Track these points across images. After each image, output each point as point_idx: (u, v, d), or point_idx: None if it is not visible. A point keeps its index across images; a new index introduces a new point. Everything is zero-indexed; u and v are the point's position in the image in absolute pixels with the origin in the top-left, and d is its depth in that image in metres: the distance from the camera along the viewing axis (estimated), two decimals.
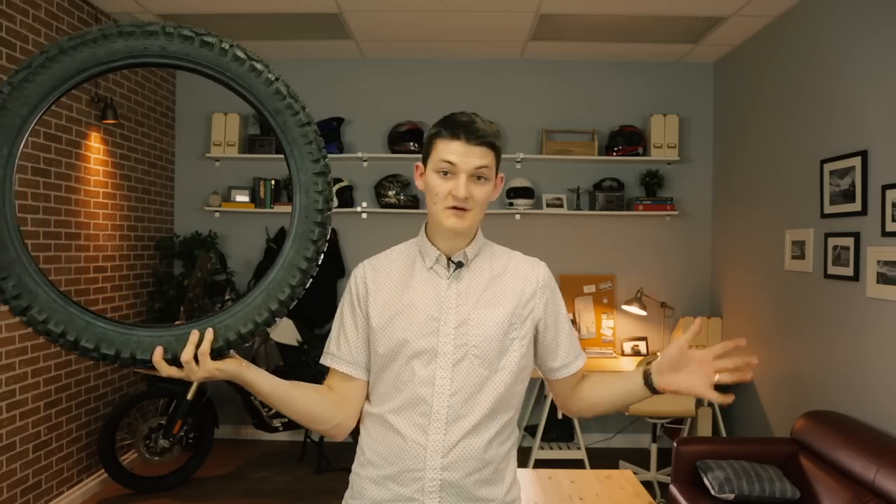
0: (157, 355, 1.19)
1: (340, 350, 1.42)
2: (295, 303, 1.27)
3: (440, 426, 1.33)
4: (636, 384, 1.42)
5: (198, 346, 1.20)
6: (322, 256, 1.28)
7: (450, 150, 1.33)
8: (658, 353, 4.63)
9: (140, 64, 1.21)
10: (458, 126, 1.34)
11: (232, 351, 1.26)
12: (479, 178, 1.34)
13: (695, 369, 1.36)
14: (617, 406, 1.48)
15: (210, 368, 1.20)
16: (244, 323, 1.23)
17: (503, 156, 1.47)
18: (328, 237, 1.28)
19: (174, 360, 1.19)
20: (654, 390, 1.39)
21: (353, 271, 1.47)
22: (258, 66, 1.21)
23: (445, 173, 1.34)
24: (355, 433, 1.50)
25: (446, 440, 1.32)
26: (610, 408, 1.50)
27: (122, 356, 1.18)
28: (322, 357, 1.45)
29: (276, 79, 1.23)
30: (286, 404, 1.35)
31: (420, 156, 1.44)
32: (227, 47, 1.20)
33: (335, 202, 1.27)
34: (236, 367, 1.25)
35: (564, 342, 1.46)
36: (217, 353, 1.22)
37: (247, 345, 1.26)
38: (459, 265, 1.40)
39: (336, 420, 1.41)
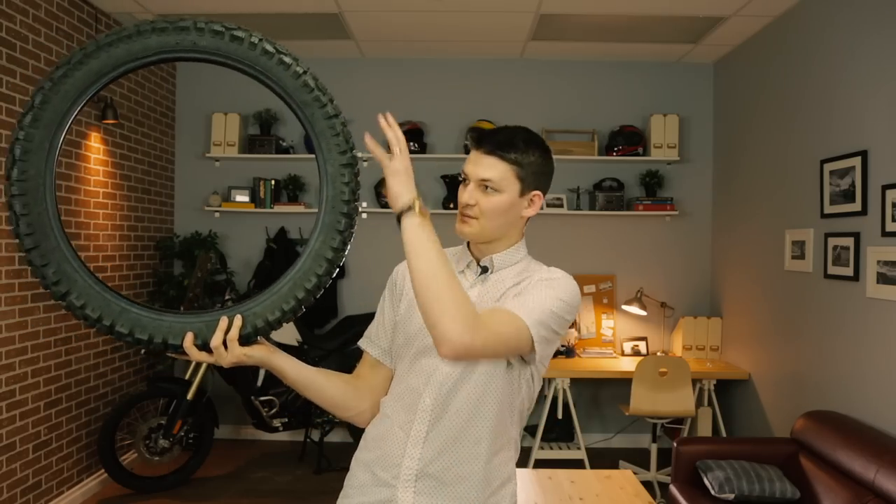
0: (189, 341, 1.23)
1: (379, 337, 1.48)
2: (321, 292, 1.30)
3: (425, 417, 1.34)
4: None
5: (227, 332, 1.23)
6: (349, 247, 1.31)
7: (469, 158, 1.39)
8: (659, 353, 4.62)
9: (172, 59, 1.25)
10: (481, 136, 1.38)
11: (260, 338, 1.29)
12: (486, 188, 1.35)
13: None
14: None
15: (238, 354, 1.24)
16: (272, 311, 1.26)
17: None
18: (355, 228, 1.30)
19: (204, 346, 1.24)
20: None
21: (397, 266, 1.51)
22: (286, 59, 1.24)
23: (464, 181, 1.39)
24: (356, 430, 1.51)
25: (429, 431, 1.34)
26: None
27: (154, 341, 1.23)
28: (361, 339, 1.51)
29: (305, 72, 1.25)
30: (312, 390, 1.38)
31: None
32: (256, 41, 1.23)
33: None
34: (264, 353, 1.28)
35: (521, 301, 1.31)
36: (245, 340, 1.25)
37: (273, 332, 1.30)
38: (485, 270, 1.43)
39: (361, 407, 1.44)
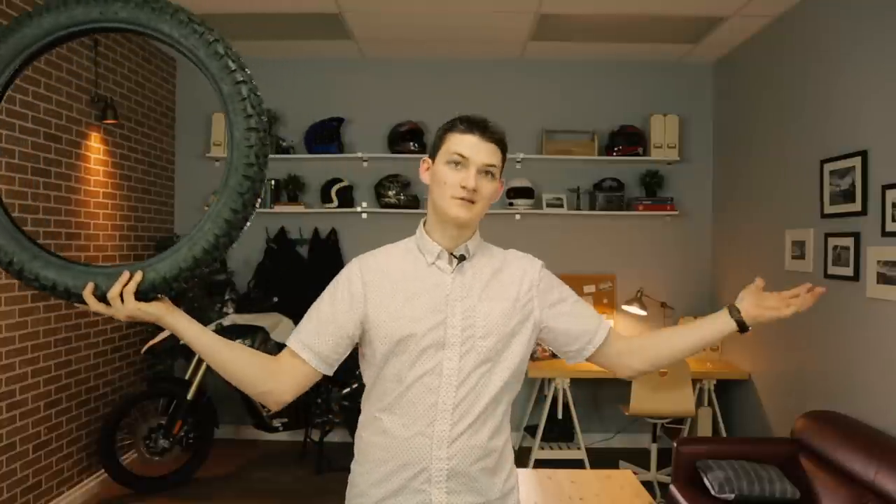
0: (88, 290, 1.28)
1: (305, 332, 1.42)
2: (220, 253, 1.33)
3: (446, 416, 1.36)
4: (721, 325, 1.43)
5: (126, 285, 1.28)
6: (252, 210, 1.34)
7: (464, 142, 1.38)
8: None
9: (97, 29, 1.32)
10: (474, 123, 1.40)
11: (163, 297, 1.33)
12: (486, 173, 1.39)
13: (772, 304, 1.41)
14: (686, 356, 1.50)
15: (132, 307, 1.28)
16: (169, 268, 1.30)
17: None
18: (258, 192, 1.34)
19: (103, 298, 1.29)
20: (742, 325, 1.42)
21: (349, 265, 1.46)
22: (199, 28, 1.30)
23: (457, 164, 1.38)
24: (355, 430, 1.50)
25: (452, 431, 1.36)
26: (678, 360, 1.52)
27: (57, 288, 1.29)
28: (292, 340, 1.44)
29: (216, 40, 1.30)
30: (213, 358, 1.36)
31: (420, 155, 1.46)
32: (172, 12, 1.30)
33: (269, 163, 1.38)
34: (159, 311, 1.31)
35: (578, 323, 1.49)
36: (143, 295, 1.30)
37: (173, 290, 1.34)
38: (462, 258, 1.43)
39: (265, 387, 1.39)
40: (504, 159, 1.43)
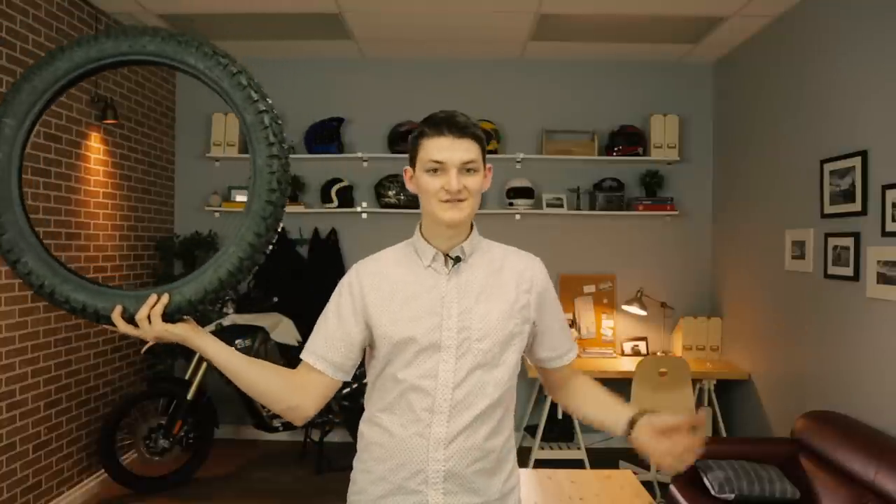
0: (117, 312, 1.33)
1: (315, 344, 1.44)
2: (245, 275, 1.37)
3: (443, 418, 1.35)
4: (616, 423, 1.43)
5: (153, 307, 1.32)
6: (275, 234, 1.38)
7: (437, 146, 1.36)
8: (659, 353, 4.63)
9: (126, 62, 1.39)
10: (440, 122, 1.37)
11: (188, 318, 1.38)
12: (468, 170, 1.37)
13: (671, 447, 1.31)
14: (594, 425, 1.52)
15: (159, 329, 1.33)
16: (195, 291, 1.36)
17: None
18: (280, 216, 1.38)
19: (131, 320, 1.34)
20: (627, 436, 1.41)
21: (349, 272, 1.48)
22: (223, 60, 1.35)
23: (435, 171, 1.37)
24: (355, 430, 1.50)
25: (448, 432, 1.35)
26: (589, 422, 1.54)
27: (87, 311, 1.35)
28: (305, 353, 1.46)
29: (239, 72, 1.35)
30: (240, 377, 1.38)
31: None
32: (197, 45, 1.36)
33: (289, 187, 1.43)
34: (186, 332, 1.35)
35: (556, 335, 1.52)
36: (169, 317, 1.35)
37: (198, 311, 1.40)
38: (458, 260, 1.42)
39: (291, 402, 1.41)
40: (483, 149, 1.39)
